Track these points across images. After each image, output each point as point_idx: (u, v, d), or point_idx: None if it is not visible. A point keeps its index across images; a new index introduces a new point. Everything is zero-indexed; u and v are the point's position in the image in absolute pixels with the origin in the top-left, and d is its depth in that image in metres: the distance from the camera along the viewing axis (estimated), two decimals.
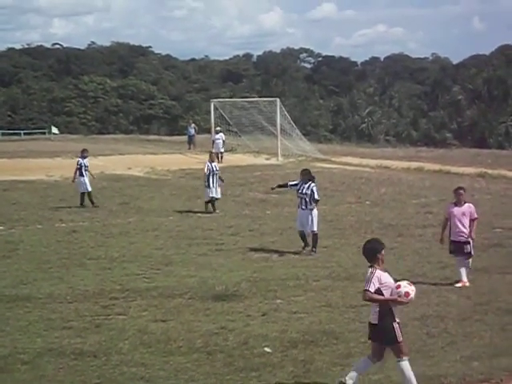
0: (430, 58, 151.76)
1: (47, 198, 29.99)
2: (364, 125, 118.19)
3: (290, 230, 22.96)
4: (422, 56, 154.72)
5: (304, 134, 58.34)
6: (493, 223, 23.59)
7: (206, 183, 26.83)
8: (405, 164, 43.32)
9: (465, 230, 16.31)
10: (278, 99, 51.62)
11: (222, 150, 47.35)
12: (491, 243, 20.37)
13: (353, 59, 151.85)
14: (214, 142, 48.17)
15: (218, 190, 27.10)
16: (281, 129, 49.76)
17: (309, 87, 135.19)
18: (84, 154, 29.09)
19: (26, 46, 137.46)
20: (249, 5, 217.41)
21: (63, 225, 23.80)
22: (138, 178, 37.06)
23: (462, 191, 16.61)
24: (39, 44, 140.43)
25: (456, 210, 16.39)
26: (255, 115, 55.38)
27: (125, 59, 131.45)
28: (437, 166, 41.61)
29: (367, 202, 28.88)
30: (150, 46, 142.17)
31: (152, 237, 21.66)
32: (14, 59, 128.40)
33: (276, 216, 25.59)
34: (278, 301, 14.54)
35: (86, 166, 28.54)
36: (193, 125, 58.54)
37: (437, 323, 13.03)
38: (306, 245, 19.81)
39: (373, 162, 44.76)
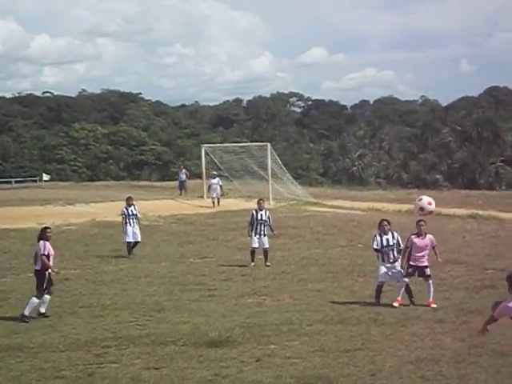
0: (420, 100, 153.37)
1: None
2: (355, 168, 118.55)
3: (282, 274, 22.95)
4: (412, 99, 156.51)
5: (295, 178, 58.55)
6: (485, 264, 23.61)
7: (250, 232, 25.32)
8: (396, 206, 43.37)
9: (426, 257, 18.35)
10: (268, 144, 51.87)
11: (219, 195, 47.36)
12: (484, 285, 20.36)
13: (342, 103, 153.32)
14: (210, 186, 48.20)
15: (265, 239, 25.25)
16: (272, 173, 49.91)
17: (299, 131, 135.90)
18: (129, 202, 28.01)
19: (17, 95, 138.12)
20: (239, 50, 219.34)
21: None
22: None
23: (422, 223, 18.63)
24: (30, 92, 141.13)
25: (418, 241, 18.39)
26: (246, 160, 55.56)
27: (115, 106, 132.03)
28: None
29: (359, 245, 28.86)
30: (141, 93, 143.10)
31: (144, 283, 21.58)
32: (5, 108, 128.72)
33: (269, 261, 25.52)
34: (272, 346, 14.45)
35: (132, 215, 27.63)
36: (184, 170, 58.63)
37: (431, 366, 12.95)
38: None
39: (364, 205, 44.84)
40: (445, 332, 15.47)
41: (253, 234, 24.88)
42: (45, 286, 17.70)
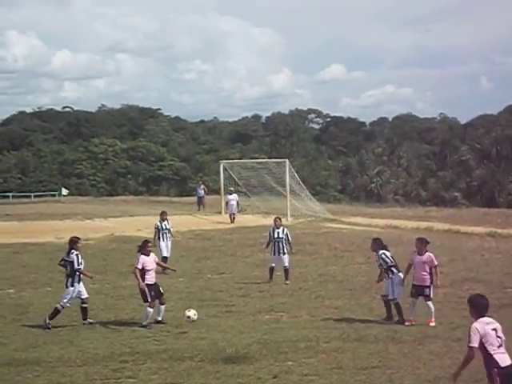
0: (438, 118, 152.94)
1: (57, 260, 29.71)
2: (373, 185, 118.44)
3: (300, 290, 22.93)
4: (430, 116, 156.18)
5: (313, 195, 58.50)
6: (504, 283, 23.47)
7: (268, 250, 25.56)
8: (414, 224, 43.21)
9: (425, 276, 17.99)
10: (286, 160, 51.85)
11: (235, 212, 47.35)
12: (502, 303, 20.20)
13: (361, 120, 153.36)
14: (227, 203, 48.21)
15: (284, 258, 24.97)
16: (290, 189, 49.83)
17: (317, 148, 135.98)
18: (163, 216, 28.44)
19: (37, 110, 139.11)
20: (258, 66, 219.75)
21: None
22: (148, 239, 37.01)
23: (423, 240, 18.34)
24: (50, 107, 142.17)
25: (417, 258, 18.09)
26: (264, 176, 55.59)
27: (135, 121, 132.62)
28: (446, 226, 41.52)
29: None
30: (160, 109, 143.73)
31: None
32: (25, 122, 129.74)
33: (289, 279, 25.49)
34: (289, 363, 14.42)
35: (166, 229, 28.09)
36: (202, 186, 58.64)
37: None
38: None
39: (382, 222, 44.71)
40: (463, 351, 15.24)
41: (271, 253, 24.86)
42: (150, 296, 18.07)
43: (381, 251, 19.13)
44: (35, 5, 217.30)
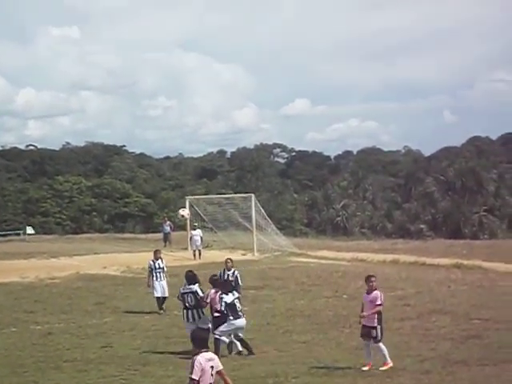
0: (403, 150, 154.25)
1: (22, 299, 29.65)
2: (339, 218, 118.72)
3: (268, 326, 22.87)
4: (395, 149, 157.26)
5: (279, 229, 58.51)
6: (470, 314, 23.60)
7: None
8: (381, 256, 43.41)
9: (373, 316, 16.90)
10: (252, 195, 51.92)
11: (200, 248, 47.22)
12: (469, 335, 20.33)
13: (326, 153, 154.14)
14: (191, 238, 48.09)
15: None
16: (256, 224, 49.85)
17: (283, 182, 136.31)
18: (156, 255, 27.82)
19: (1, 148, 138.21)
20: (223, 102, 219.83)
21: (38, 327, 23.49)
22: (114, 277, 36.81)
23: (372, 279, 17.29)
24: (13, 146, 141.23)
25: (366, 297, 17.20)
26: (230, 211, 55.55)
27: (99, 159, 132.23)
28: (412, 258, 41.76)
29: (344, 296, 28.79)
30: (125, 145, 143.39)
31: (129, 337, 21.42)
32: None
33: (254, 312, 25.38)
34: None
35: (159, 268, 27.45)
36: (168, 222, 58.44)
37: None
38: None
39: (349, 255, 44.85)
40: (431, 383, 15.40)
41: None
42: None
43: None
44: None
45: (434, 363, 16.68)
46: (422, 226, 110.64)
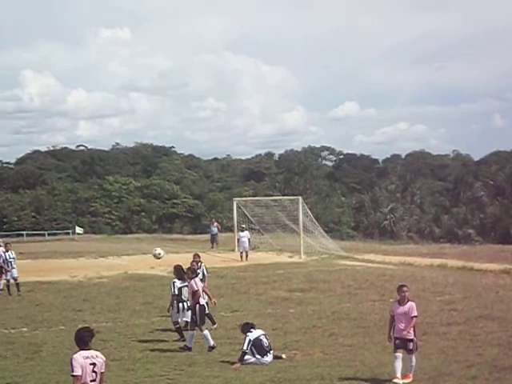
0: (451, 154, 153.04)
1: (70, 298, 30.03)
2: (386, 222, 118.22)
3: (313, 328, 22.86)
4: (443, 153, 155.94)
5: (326, 232, 58.45)
6: None
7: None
8: (428, 261, 43.12)
9: (408, 328, 16.14)
10: (300, 197, 51.92)
11: (248, 249, 47.32)
12: None
13: (374, 157, 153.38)
14: (238, 240, 48.23)
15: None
16: (303, 226, 49.83)
17: (330, 185, 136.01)
18: (195, 259, 26.21)
19: (51, 148, 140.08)
20: (271, 104, 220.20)
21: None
22: (162, 277, 37.02)
23: (405, 289, 16.47)
24: (64, 146, 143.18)
25: (398, 309, 16.33)
26: (278, 213, 55.64)
27: (148, 159, 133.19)
28: (460, 263, 41.38)
29: (391, 300, 28.57)
30: (173, 147, 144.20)
31: (175, 337, 21.54)
32: (39, 161, 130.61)
33: (299, 315, 25.45)
34: None
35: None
36: (215, 223, 58.67)
37: None
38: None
39: (396, 259, 44.63)
40: None
41: None
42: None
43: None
44: (50, 44, 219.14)
45: (481, 369, 16.54)
46: (470, 230, 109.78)
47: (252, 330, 18.72)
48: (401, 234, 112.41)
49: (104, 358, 10.91)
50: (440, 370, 16.80)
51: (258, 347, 18.23)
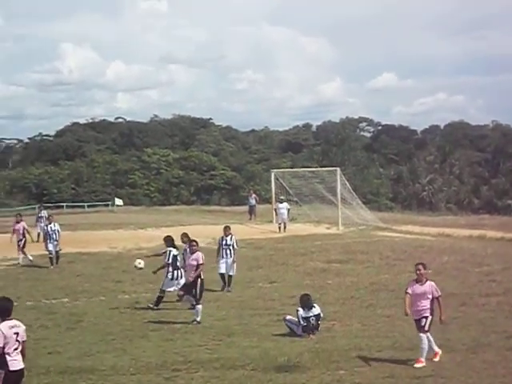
0: (491, 125, 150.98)
1: (110, 269, 30.31)
2: (425, 193, 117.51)
3: (351, 299, 22.87)
4: (483, 123, 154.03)
5: (364, 203, 58.26)
6: None
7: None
8: (467, 232, 42.84)
9: (427, 308, 15.24)
10: (338, 169, 51.73)
11: (286, 221, 47.31)
12: None
13: (412, 127, 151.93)
14: (276, 211, 48.25)
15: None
16: (341, 198, 49.66)
17: (368, 156, 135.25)
18: (226, 231, 25.81)
19: (90, 121, 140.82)
20: (309, 75, 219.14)
21: (126, 296, 24.03)
22: (200, 248, 37.19)
23: (420, 267, 15.45)
24: (103, 118, 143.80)
25: (416, 288, 15.38)
26: (315, 185, 55.54)
27: (186, 131, 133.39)
28: (499, 234, 41.09)
29: (429, 271, 28.47)
30: (211, 118, 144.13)
31: (214, 307, 21.69)
32: (78, 133, 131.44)
33: (337, 286, 25.49)
34: (341, 372, 14.42)
35: (226, 245, 25.60)
36: (253, 195, 58.76)
37: None
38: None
39: (434, 231, 44.39)
40: None
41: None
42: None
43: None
44: (89, 16, 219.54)
45: None
46: (509, 201, 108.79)
47: (313, 307, 18.28)
48: (439, 206, 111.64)
49: (24, 327, 11.28)
50: (479, 340, 16.77)
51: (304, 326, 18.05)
